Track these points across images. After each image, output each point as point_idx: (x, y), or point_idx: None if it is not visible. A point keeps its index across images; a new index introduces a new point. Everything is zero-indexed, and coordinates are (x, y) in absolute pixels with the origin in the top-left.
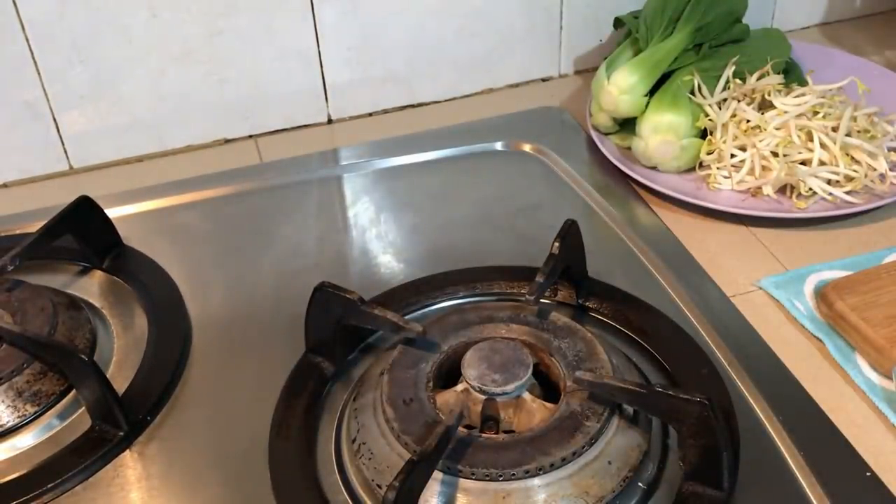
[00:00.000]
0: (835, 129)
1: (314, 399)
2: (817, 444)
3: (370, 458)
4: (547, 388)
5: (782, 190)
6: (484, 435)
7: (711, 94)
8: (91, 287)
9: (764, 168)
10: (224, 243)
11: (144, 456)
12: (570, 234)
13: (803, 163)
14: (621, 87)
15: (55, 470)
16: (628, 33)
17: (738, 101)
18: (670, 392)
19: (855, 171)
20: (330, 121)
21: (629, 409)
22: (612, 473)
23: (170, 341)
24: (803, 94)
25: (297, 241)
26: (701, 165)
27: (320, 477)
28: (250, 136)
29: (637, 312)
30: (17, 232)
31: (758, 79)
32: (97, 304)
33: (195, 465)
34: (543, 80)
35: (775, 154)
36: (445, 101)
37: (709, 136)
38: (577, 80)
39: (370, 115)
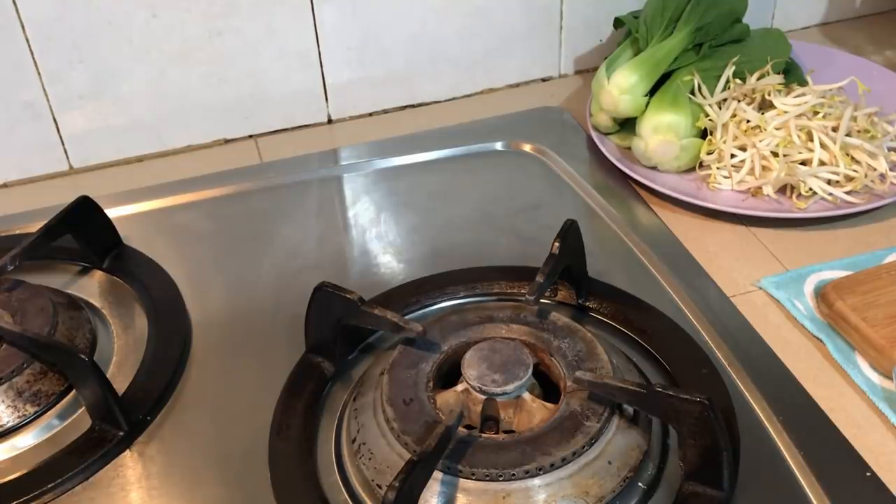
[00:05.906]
0: (835, 129)
1: (314, 399)
2: (817, 444)
3: (370, 458)
4: (547, 388)
5: (782, 190)
6: (484, 435)
7: (711, 94)
8: (91, 287)
9: (764, 168)
10: (224, 243)
11: (144, 456)
12: (570, 233)
13: (803, 163)
14: (621, 87)
15: (55, 470)
16: (628, 33)
17: (738, 101)
18: (670, 392)
19: (855, 171)
20: (330, 121)
21: (629, 409)
22: (613, 473)
23: (170, 341)
24: (803, 94)
25: (297, 241)
26: (701, 165)
27: (320, 477)
28: (250, 136)
29: (637, 312)
30: (17, 232)
31: (758, 79)
32: (97, 304)
33: (195, 465)
34: (543, 80)
35: (775, 154)
36: (445, 101)
37: (709, 136)
38: (577, 80)
39: (370, 115)
